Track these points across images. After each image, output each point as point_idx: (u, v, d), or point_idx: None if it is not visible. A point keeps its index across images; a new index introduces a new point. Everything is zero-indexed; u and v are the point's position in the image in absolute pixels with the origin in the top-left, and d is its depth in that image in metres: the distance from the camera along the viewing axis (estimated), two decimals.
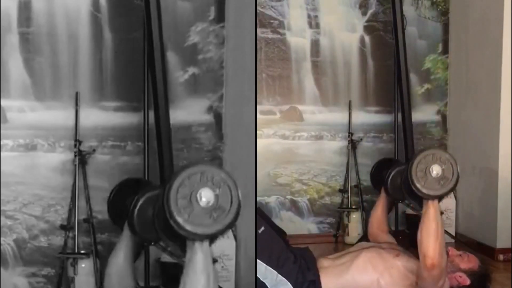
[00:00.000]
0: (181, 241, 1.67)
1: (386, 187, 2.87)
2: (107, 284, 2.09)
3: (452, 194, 4.07)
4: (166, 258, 2.87)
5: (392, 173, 2.87)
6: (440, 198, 2.16)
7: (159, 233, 1.81)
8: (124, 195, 2.20)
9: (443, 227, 2.13)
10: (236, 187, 1.65)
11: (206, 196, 1.60)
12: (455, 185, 2.16)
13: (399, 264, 2.23)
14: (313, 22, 4.09)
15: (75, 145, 3.02)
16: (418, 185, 2.13)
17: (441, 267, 2.06)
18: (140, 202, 1.97)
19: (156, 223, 1.80)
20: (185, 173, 1.63)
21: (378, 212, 2.90)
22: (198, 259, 1.61)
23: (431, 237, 2.06)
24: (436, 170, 2.13)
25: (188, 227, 1.58)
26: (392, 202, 3.01)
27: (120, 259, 2.09)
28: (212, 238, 1.64)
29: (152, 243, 2.09)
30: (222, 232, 1.63)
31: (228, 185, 1.64)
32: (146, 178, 3.01)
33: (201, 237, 1.61)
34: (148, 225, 1.94)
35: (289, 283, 2.10)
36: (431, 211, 2.11)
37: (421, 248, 2.08)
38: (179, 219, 1.57)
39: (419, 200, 2.20)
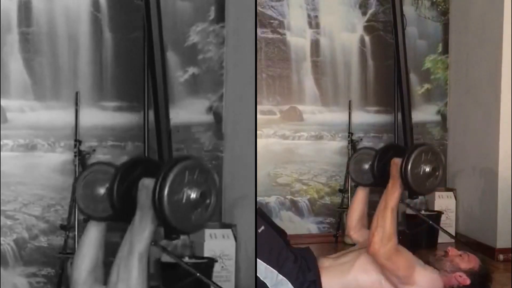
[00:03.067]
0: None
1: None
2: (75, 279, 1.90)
3: (452, 194, 4.08)
4: (166, 258, 2.87)
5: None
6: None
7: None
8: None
9: (388, 217, 2.16)
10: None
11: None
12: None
13: None
14: (313, 22, 4.09)
15: (75, 145, 3.02)
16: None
17: (381, 255, 2.10)
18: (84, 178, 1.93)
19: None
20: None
21: (362, 205, 2.73)
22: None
23: (373, 225, 2.17)
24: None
25: None
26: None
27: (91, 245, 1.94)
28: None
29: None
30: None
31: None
32: None
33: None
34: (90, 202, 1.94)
35: (289, 283, 2.10)
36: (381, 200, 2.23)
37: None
38: None
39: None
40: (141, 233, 1.70)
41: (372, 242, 2.12)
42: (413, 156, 2.22)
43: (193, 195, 1.61)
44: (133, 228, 1.73)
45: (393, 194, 2.21)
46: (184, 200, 1.61)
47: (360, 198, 2.74)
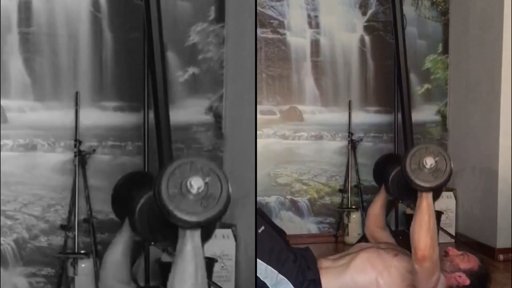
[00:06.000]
0: (174, 237, 1.69)
1: (387, 185, 2.85)
2: (103, 276, 2.08)
3: (452, 194, 4.08)
4: (166, 258, 2.87)
5: (394, 172, 2.85)
6: (434, 190, 2.17)
7: (153, 229, 1.83)
8: (128, 189, 2.18)
9: (435, 221, 2.14)
10: (226, 177, 1.67)
11: (196, 183, 1.63)
12: (449, 177, 2.18)
13: (398, 264, 2.23)
14: (313, 22, 4.09)
15: (75, 145, 3.02)
16: (412, 177, 2.15)
17: (432, 259, 2.06)
18: (142, 200, 1.97)
19: (150, 218, 1.82)
20: (175, 163, 1.67)
21: (377, 208, 2.84)
22: (188, 248, 1.64)
23: (422, 230, 2.08)
24: (429, 162, 2.16)
25: (179, 214, 1.60)
26: (391, 201, 2.99)
27: (117, 251, 2.07)
28: (202, 226, 1.66)
29: (152, 243, 2.08)
30: (212, 220, 1.65)
31: (217, 175, 1.67)
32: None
33: (192, 225, 1.63)
34: (148, 224, 1.95)
35: (289, 283, 2.10)
36: (424, 204, 2.12)
37: (412, 240, 2.10)
38: (170, 207, 1.60)
39: (415, 196, 2.20)
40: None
41: (423, 247, 2.05)
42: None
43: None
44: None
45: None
46: None
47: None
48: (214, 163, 1.70)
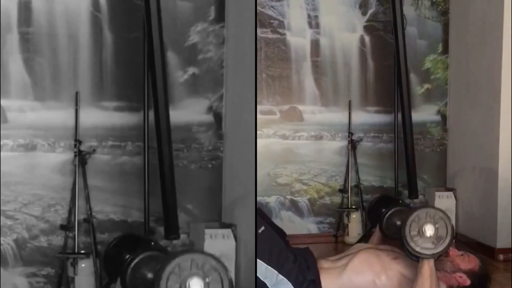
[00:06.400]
0: None
1: (381, 227, 2.89)
2: None
3: (452, 194, 4.08)
4: None
5: (388, 214, 2.89)
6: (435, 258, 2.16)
7: None
8: (121, 251, 2.19)
9: (438, 285, 2.13)
10: (227, 274, 1.65)
11: (195, 286, 1.62)
12: (450, 243, 2.15)
13: (397, 267, 2.23)
14: (313, 22, 4.09)
15: (75, 145, 3.02)
16: (412, 245, 2.13)
17: None
18: (135, 261, 1.98)
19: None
20: (176, 260, 1.65)
21: (373, 244, 2.89)
22: None
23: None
24: (429, 230, 2.13)
25: None
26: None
27: None
28: None
29: None
30: None
31: (219, 273, 1.65)
32: (148, 195, 2.98)
33: None
34: (140, 286, 1.95)
35: (289, 283, 2.11)
36: (425, 269, 2.10)
37: None
38: None
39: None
40: None
41: None
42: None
43: None
44: None
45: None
46: None
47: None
48: (215, 258, 1.67)
